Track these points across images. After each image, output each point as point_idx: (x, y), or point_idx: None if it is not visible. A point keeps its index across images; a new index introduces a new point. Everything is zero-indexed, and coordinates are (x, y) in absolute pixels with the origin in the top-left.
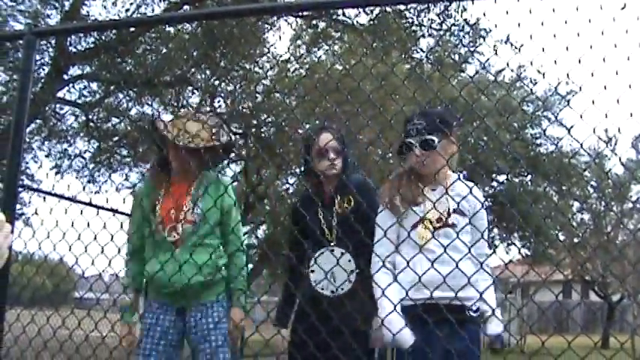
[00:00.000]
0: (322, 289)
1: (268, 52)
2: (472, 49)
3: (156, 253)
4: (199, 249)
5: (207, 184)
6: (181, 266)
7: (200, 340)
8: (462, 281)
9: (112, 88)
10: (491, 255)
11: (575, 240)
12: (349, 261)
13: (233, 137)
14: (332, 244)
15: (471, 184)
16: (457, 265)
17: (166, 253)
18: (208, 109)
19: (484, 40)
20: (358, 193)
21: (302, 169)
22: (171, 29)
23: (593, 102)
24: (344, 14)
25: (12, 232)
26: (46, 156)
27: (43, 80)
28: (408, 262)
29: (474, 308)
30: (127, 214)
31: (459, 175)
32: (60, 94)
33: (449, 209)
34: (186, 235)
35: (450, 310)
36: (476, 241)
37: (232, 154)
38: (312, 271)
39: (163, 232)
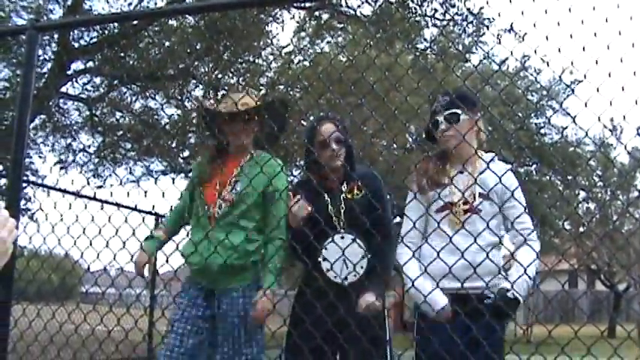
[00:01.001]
0: (335, 276)
1: (271, 44)
2: (476, 38)
3: (194, 228)
4: (233, 230)
5: (259, 162)
6: (210, 245)
7: (224, 330)
8: (487, 270)
9: (115, 82)
10: (534, 230)
11: (581, 229)
12: (360, 247)
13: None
14: (341, 231)
15: (504, 165)
16: (486, 255)
17: (202, 229)
18: (212, 101)
19: (488, 29)
20: (367, 182)
21: (305, 160)
22: (174, 22)
23: (597, 90)
24: (347, 5)
25: (16, 227)
26: (50, 151)
27: (46, 75)
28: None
29: (493, 295)
30: (131, 208)
31: (493, 157)
32: (63, 89)
33: (475, 193)
34: (223, 213)
35: (468, 299)
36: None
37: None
38: (325, 259)
39: (204, 208)
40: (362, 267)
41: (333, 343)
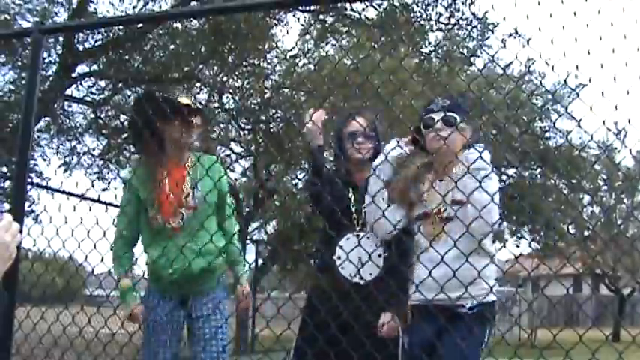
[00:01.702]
0: (350, 275)
1: (276, 48)
2: (480, 42)
3: (156, 240)
4: (200, 234)
5: (206, 166)
6: (183, 252)
7: (200, 329)
8: (465, 280)
9: (120, 85)
10: (495, 224)
11: (586, 233)
12: (377, 245)
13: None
14: (357, 229)
15: (475, 153)
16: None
17: (167, 240)
18: (217, 104)
19: (492, 33)
20: None
21: (334, 152)
22: (179, 25)
23: (602, 94)
24: (352, 9)
25: (20, 231)
26: (55, 153)
27: (51, 78)
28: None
29: (468, 305)
30: None
31: (471, 152)
32: (68, 92)
33: (450, 200)
34: (186, 221)
35: (441, 309)
36: (470, 224)
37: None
38: (339, 257)
39: (163, 220)
40: (378, 266)
41: (345, 345)
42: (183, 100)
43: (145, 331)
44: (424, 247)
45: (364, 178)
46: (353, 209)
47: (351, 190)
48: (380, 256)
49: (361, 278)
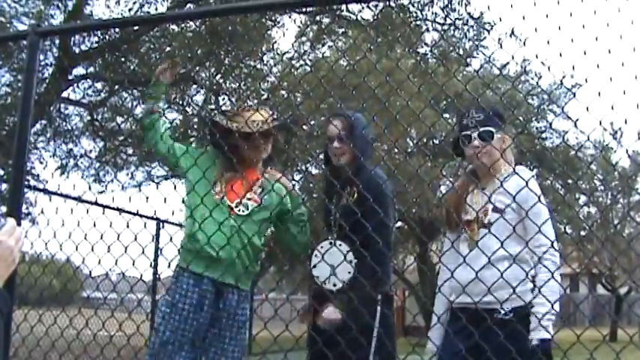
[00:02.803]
0: (324, 283)
1: (272, 49)
2: (477, 43)
3: (212, 215)
4: (256, 228)
5: (271, 182)
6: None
7: (228, 329)
8: (497, 284)
9: (116, 87)
10: (552, 245)
11: (582, 233)
12: (348, 252)
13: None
14: (334, 236)
15: (527, 174)
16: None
17: (225, 220)
18: (213, 106)
19: (489, 33)
20: (365, 186)
21: (324, 157)
22: (175, 27)
23: (599, 94)
24: (348, 10)
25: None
26: (52, 156)
27: (47, 80)
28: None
29: (503, 311)
30: (133, 213)
31: (513, 169)
32: (64, 94)
33: (489, 209)
34: (250, 209)
35: (479, 313)
36: (508, 236)
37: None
38: (314, 266)
39: (227, 200)
40: (349, 273)
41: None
42: (259, 117)
43: (166, 313)
44: (465, 252)
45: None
46: (333, 217)
47: (335, 196)
48: (351, 262)
49: (334, 285)
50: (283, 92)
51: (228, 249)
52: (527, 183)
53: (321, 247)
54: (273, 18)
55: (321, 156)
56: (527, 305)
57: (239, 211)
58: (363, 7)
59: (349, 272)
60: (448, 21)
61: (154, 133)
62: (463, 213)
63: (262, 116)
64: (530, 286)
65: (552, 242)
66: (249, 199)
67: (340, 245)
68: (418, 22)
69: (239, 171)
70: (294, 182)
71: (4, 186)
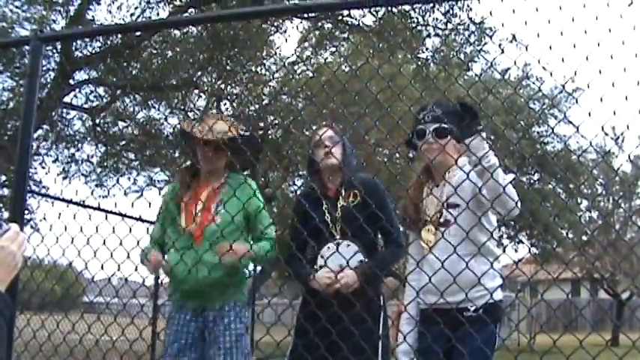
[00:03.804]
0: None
1: (274, 55)
2: (478, 48)
3: (176, 247)
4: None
5: (234, 186)
6: (199, 262)
7: (214, 348)
8: (460, 283)
9: (118, 92)
10: (495, 230)
11: (584, 238)
12: (356, 253)
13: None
14: (337, 237)
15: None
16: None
17: (187, 249)
18: (215, 111)
19: (490, 38)
20: (365, 189)
21: (307, 169)
22: (177, 33)
23: (601, 99)
24: (349, 15)
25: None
26: (54, 161)
27: (49, 86)
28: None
29: (473, 308)
30: (135, 218)
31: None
32: (66, 99)
33: (444, 205)
34: (209, 233)
35: (448, 313)
36: (470, 228)
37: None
38: (321, 267)
39: (187, 230)
40: (356, 267)
41: (333, 353)
42: (222, 126)
43: (166, 341)
44: (424, 253)
45: (336, 185)
46: (328, 219)
47: (324, 201)
48: (361, 262)
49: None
50: (285, 97)
51: (192, 281)
52: (467, 175)
53: (328, 248)
54: (275, 24)
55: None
56: (497, 302)
57: (199, 234)
58: (364, 13)
59: (356, 267)
60: (450, 26)
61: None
62: (421, 212)
63: (225, 124)
64: (499, 282)
65: (516, 202)
66: (209, 220)
67: (349, 246)
68: (420, 28)
69: (199, 182)
70: (295, 187)
71: (6, 191)
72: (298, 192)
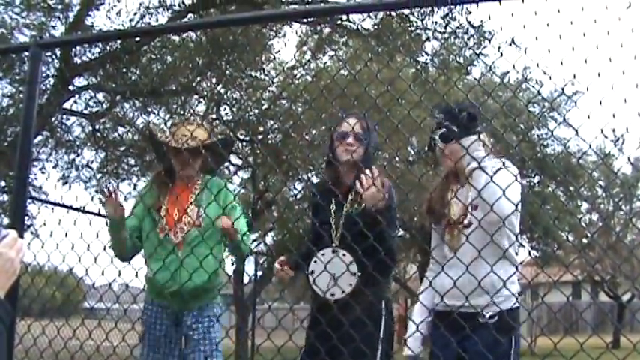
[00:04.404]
0: (320, 291)
1: (274, 59)
2: (477, 51)
3: (157, 253)
4: (201, 251)
5: (214, 190)
6: (179, 268)
7: (193, 346)
8: (474, 287)
9: (117, 98)
10: (515, 242)
11: (584, 240)
12: (351, 263)
13: (230, 135)
14: (334, 244)
15: (496, 164)
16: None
17: (169, 254)
18: (214, 116)
19: (489, 42)
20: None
21: (327, 157)
22: (176, 38)
23: (600, 102)
24: (348, 19)
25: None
26: (54, 167)
27: (49, 92)
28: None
29: (488, 314)
30: None
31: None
32: (66, 105)
33: (469, 207)
34: (190, 237)
35: (463, 317)
36: (494, 232)
37: (233, 155)
38: (312, 272)
39: (167, 234)
40: (350, 284)
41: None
42: (196, 132)
43: (144, 345)
44: (449, 256)
45: (348, 185)
46: (332, 222)
47: (333, 200)
48: (354, 274)
49: (332, 295)
50: (284, 102)
51: (170, 283)
52: (491, 178)
53: (323, 254)
54: (274, 28)
55: (323, 165)
56: (513, 309)
57: (178, 238)
58: (363, 17)
59: (350, 284)
60: (449, 30)
61: (123, 256)
62: (446, 209)
63: (201, 130)
64: (517, 288)
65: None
66: (188, 224)
67: (344, 255)
68: (419, 31)
69: (173, 192)
70: (295, 192)
71: (6, 197)
72: (298, 196)
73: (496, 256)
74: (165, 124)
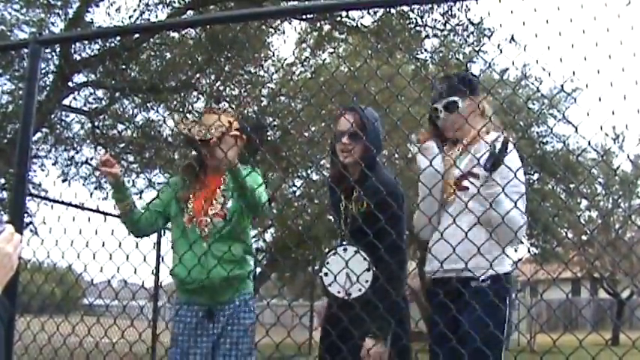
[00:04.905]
0: (338, 292)
1: (273, 56)
2: (477, 48)
3: (183, 245)
4: (229, 242)
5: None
6: (209, 260)
7: (227, 347)
8: (471, 251)
9: (117, 94)
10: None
11: (584, 238)
12: (364, 259)
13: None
14: (345, 242)
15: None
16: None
17: (194, 246)
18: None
19: (489, 39)
20: (379, 197)
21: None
22: (176, 35)
23: (599, 99)
24: (348, 16)
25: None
26: (53, 164)
27: (48, 88)
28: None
29: (482, 278)
30: None
31: (498, 136)
32: (65, 102)
33: (468, 172)
34: (216, 229)
35: (458, 282)
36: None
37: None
38: (326, 274)
39: (194, 224)
40: (367, 281)
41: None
42: (221, 120)
43: (172, 342)
44: (443, 216)
45: (351, 187)
46: (342, 223)
47: (342, 197)
48: (368, 270)
49: (348, 295)
50: (284, 98)
51: (201, 276)
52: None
53: (335, 254)
54: (273, 25)
55: (322, 162)
56: (507, 274)
57: (206, 228)
58: (363, 14)
59: (366, 280)
60: (448, 27)
61: (135, 227)
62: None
63: (226, 117)
64: (511, 253)
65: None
66: (215, 215)
67: (356, 252)
68: (418, 28)
69: (203, 182)
70: (294, 189)
71: (5, 194)
72: (297, 193)
73: (491, 226)
74: (165, 121)
